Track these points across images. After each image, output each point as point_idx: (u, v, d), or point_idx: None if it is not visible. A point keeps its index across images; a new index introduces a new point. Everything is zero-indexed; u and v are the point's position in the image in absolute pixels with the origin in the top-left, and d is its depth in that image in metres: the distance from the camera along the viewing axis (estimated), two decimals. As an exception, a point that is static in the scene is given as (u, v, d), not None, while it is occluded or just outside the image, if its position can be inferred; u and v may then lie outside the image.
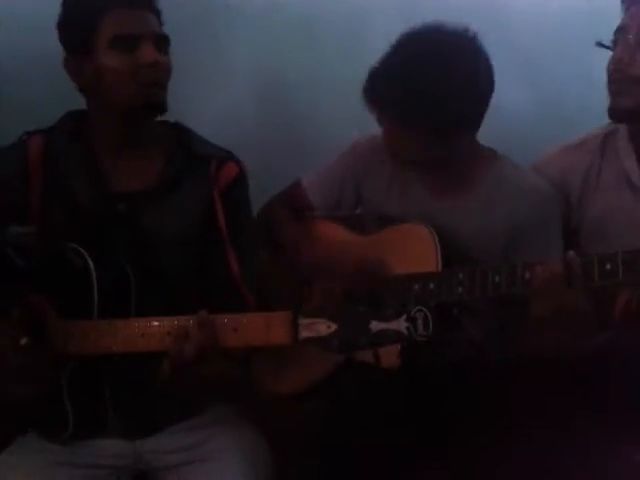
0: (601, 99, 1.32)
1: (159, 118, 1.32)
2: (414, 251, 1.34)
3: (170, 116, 1.34)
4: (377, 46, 1.35)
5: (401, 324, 1.03)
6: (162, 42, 1.28)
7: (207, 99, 1.75)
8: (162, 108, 1.28)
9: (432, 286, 1.27)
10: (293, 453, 1.36)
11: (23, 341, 1.15)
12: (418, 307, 1.04)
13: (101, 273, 1.19)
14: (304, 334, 1.06)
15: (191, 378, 1.15)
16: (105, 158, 1.31)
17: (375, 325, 1.04)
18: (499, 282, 1.20)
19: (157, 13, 1.30)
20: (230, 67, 1.79)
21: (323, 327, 1.06)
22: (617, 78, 1.29)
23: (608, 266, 1.11)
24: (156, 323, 1.15)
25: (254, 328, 1.10)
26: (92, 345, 1.16)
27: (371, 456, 1.28)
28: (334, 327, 1.05)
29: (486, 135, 1.42)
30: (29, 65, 1.64)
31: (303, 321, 1.07)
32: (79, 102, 1.33)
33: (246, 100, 1.82)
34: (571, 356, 1.28)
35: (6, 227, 1.25)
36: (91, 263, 1.19)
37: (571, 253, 1.17)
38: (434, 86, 1.27)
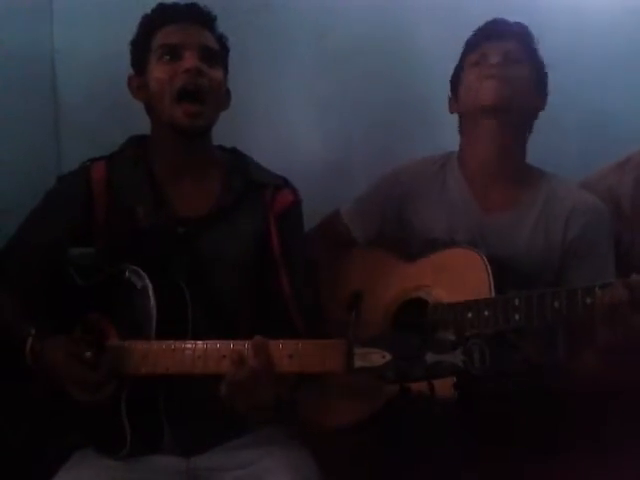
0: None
1: (215, 142, 1.36)
2: (464, 277, 1.31)
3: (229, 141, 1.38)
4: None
5: (457, 357, 1.03)
6: (210, 55, 1.31)
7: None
8: (198, 123, 1.29)
9: (487, 313, 1.24)
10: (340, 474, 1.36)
11: (88, 354, 1.18)
12: (474, 340, 1.03)
13: (159, 294, 1.21)
14: (359, 363, 1.06)
15: (247, 401, 1.14)
16: (166, 182, 1.34)
17: (430, 357, 1.03)
18: (559, 307, 1.18)
19: (210, 28, 1.33)
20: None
21: (378, 357, 1.06)
22: None
23: None
24: (212, 346, 1.16)
25: (309, 355, 1.11)
26: (149, 366, 1.18)
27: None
28: (389, 357, 1.05)
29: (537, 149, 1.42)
30: (92, 92, 1.68)
31: (358, 350, 1.07)
32: (141, 128, 1.36)
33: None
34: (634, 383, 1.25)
35: (70, 248, 1.29)
36: (150, 284, 1.21)
37: (636, 276, 1.14)
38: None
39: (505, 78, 1.37)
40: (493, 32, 1.41)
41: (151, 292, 1.21)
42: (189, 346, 1.17)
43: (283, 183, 1.39)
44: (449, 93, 1.48)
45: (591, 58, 1.77)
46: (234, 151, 1.42)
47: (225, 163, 1.38)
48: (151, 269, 1.23)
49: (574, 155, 1.78)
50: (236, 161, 1.39)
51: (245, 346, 1.13)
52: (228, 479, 1.29)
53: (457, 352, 1.03)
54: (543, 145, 1.44)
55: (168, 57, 1.29)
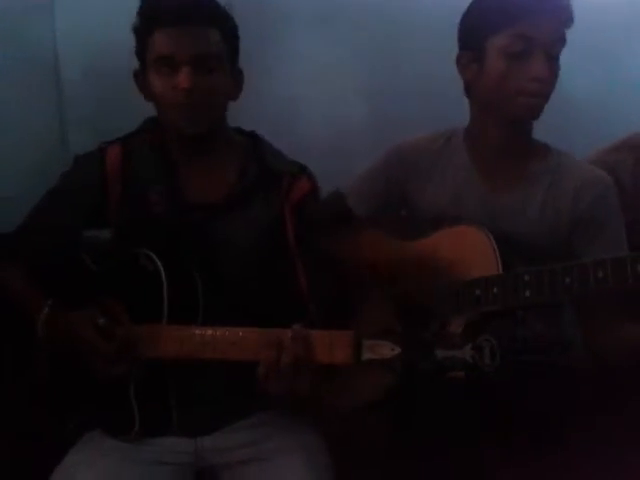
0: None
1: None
2: (470, 254, 1.28)
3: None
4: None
5: (467, 352, 1.03)
6: (209, 60, 1.24)
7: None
8: (199, 131, 1.26)
9: (496, 290, 1.21)
10: (353, 458, 1.37)
11: (101, 320, 1.19)
12: (485, 336, 1.03)
13: (171, 280, 1.21)
14: (367, 355, 1.07)
15: (284, 387, 1.14)
16: (181, 167, 1.33)
17: (440, 352, 1.03)
18: (570, 282, 1.15)
19: (213, 25, 1.25)
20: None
21: (387, 349, 1.06)
22: None
23: None
24: (221, 333, 1.17)
25: (317, 345, 1.11)
26: (159, 350, 1.19)
27: (438, 467, 1.27)
28: (398, 350, 1.05)
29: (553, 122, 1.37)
30: (96, 75, 1.67)
31: (367, 342, 1.07)
32: (146, 113, 1.35)
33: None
34: None
35: (83, 231, 1.29)
36: (162, 269, 1.22)
37: None
38: None
39: (544, 94, 1.31)
40: (532, 9, 1.27)
41: (164, 277, 1.21)
42: (198, 332, 1.18)
43: (300, 171, 1.37)
44: (457, 55, 1.38)
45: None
46: (252, 135, 1.39)
47: (242, 148, 1.36)
48: (164, 254, 1.23)
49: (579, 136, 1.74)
50: (253, 146, 1.37)
51: (253, 333, 1.14)
52: (236, 458, 1.30)
53: (467, 348, 1.03)
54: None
55: (163, 68, 1.24)
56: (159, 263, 1.22)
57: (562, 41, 1.30)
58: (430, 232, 1.37)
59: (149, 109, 1.32)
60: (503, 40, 1.28)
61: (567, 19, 1.30)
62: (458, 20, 1.37)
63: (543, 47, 1.27)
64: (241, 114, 1.37)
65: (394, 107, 1.78)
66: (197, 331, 1.18)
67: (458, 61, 1.38)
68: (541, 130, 1.37)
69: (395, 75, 1.78)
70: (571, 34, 1.31)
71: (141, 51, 1.28)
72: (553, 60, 1.30)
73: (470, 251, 1.29)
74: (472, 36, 1.34)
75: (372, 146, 1.60)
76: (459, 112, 1.43)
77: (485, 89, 1.34)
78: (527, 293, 1.19)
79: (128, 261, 1.25)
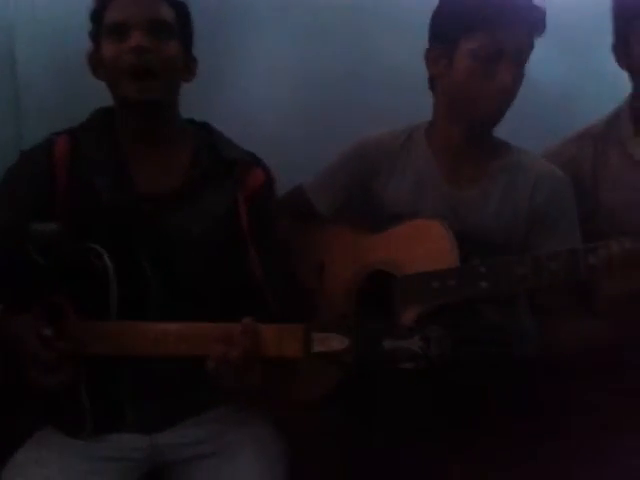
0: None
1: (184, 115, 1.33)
2: (428, 248, 1.30)
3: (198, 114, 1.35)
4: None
5: (415, 343, 1.03)
6: (161, 28, 1.26)
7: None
8: (152, 97, 1.25)
9: (453, 282, 1.23)
10: (308, 449, 1.37)
11: (47, 331, 1.16)
12: (434, 327, 1.03)
13: (120, 274, 1.20)
14: (317, 348, 1.07)
15: (235, 380, 1.15)
16: (131, 157, 1.31)
17: (388, 343, 1.04)
18: (524, 274, 1.18)
19: (168, 1, 1.28)
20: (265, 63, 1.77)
21: (336, 342, 1.06)
22: None
23: None
24: (171, 327, 1.16)
25: (267, 339, 1.11)
26: (108, 346, 1.18)
27: (390, 459, 1.29)
28: (347, 342, 1.06)
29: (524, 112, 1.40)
30: (50, 69, 1.64)
31: (316, 335, 1.07)
32: (104, 103, 1.33)
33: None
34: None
35: (29, 224, 1.27)
36: (110, 264, 1.20)
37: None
38: None
39: (508, 103, 1.34)
40: (508, 15, 1.29)
41: (111, 272, 1.19)
42: (148, 327, 1.17)
43: (254, 161, 1.37)
44: (426, 48, 1.39)
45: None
46: (205, 126, 1.38)
47: (194, 138, 1.35)
48: (114, 247, 1.21)
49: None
50: (206, 136, 1.36)
51: (204, 328, 1.14)
52: (190, 454, 1.30)
53: (415, 338, 1.03)
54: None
55: (115, 36, 1.25)
56: (107, 258, 1.20)
57: (530, 49, 1.33)
58: (391, 226, 1.38)
59: (108, 99, 1.31)
60: (475, 42, 1.30)
61: (539, 28, 1.32)
62: (425, 10, 1.38)
63: (512, 54, 1.30)
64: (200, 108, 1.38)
65: (358, 100, 1.77)
66: (147, 326, 1.17)
67: (427, 55, 1.39)
68: (509, 121, 1.38)
69: (361, 66, 1.77)
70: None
71: (96, 29, 1.28)
72: (520, 67, 1.32)
73: (428, 244, 1.30)
74: (444, 33, 1.35)
75: (331, 140, 1.60)
76: (427, 106, 1.44)
77: (451, 86, 1.36)
78: (483, 285, 1.21)
79: (76, 255, 1.22)
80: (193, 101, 1.34)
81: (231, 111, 1.67)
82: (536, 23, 1.31)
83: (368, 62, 1.76)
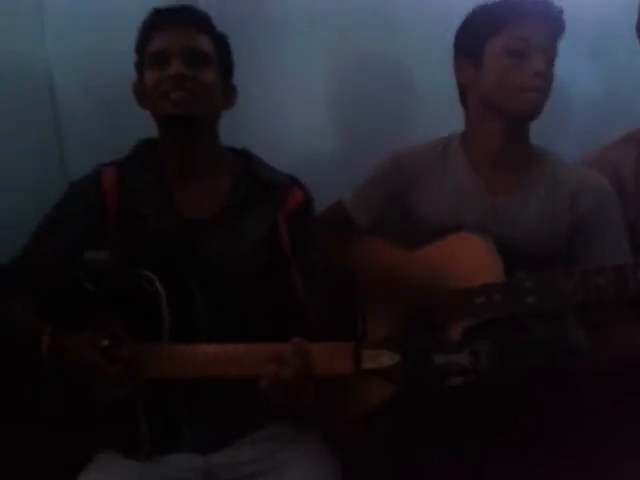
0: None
1: (224, 143, 1.36)
2: (472, 262, 1.30)
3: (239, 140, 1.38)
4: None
5: (464, 357, 1.04)
6: (200, 57, 1.32)
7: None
8: (191, 119, 1.30)
9: (498, 297, 1.22)
10: (358, 465, 1.38)
11: (105, 342, 1.19)
12: (482, 341, 1.04)
13: (170, 299, 1.23)
14: (367, 365, 1.08)
15: (286, 399, 1.16)
16: (174, 185, 1.35)
17: (438, 358, 1.04)
18: (572, 288, 1.17)
19: (203, 29, 1.34)
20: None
21: (386, 359, 1.07)
22: None
23: None
24: (222, 350, 1.18)
25: (318, 357, 1.12)
26: (162, 370, 1.20)
27: (442, 473, 1.28)
28: (397, 359, 1.07)
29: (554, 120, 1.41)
30: (91, 99, 1.67)
31: (366, 352, 1.09)
32: (146, 134, 1.38)
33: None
34: None
35: (82, 253, 1.31)
36: (161, 289, 1.23)
37: None
38: None
39: (544, 90, 1.35)
40: (529, 13, 1.34)
41: (163, 297, 1.22)
42: (200, 350, 1.19)
43: (292, 182, 1.40)
44: (454, 62, 1.42)
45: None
46: (244, 152, 1.42)
47: (234, 164, 1.39)
48: (162, 273, 1.24)
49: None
50: (245, 162, 1.40)
51: (256, 349, 1.15)
52: (245, 473, 1.31)
53: (464, 353, 1.04)
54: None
55: (157, 65, 1.31)
56: (158, 284, 1.23)
57: (555, 47, 1.35)
58: (432, 241, 1.38)
59: (150, 131, 1.35)
60: (502, 40, 1.34)
61: (560, 26, 1.35)
62: (448, 24, 1.41)
63: (540, 47, 1.32)
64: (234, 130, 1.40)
65: (392, 115, 1.78)
66: (199, 349, 1.19)
67: (455, 67, 1.41)
68: (541, 129, 1.39)
69: (394, 81, 1.78)
70: (570, 33, 1.36)
71: (140, 59, 1.35)
72: (549, 61, 1.34)
73: (472, 259, 1.30)
74: (470, 42, 1.38)
75: (364, 155, 1.61)
76: (452, 119, 1.45)
77: (485, 89, 1.37)
78: (529, 300, 1.20)
79: (126, 282, 1.26)
80: (226, 123, 1.38)
81: (264, 131, 1.70)
82: (556, 20, 1.35)
83: (400, 76, 1.76)
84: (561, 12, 1.36)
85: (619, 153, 1.47)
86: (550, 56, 1.35)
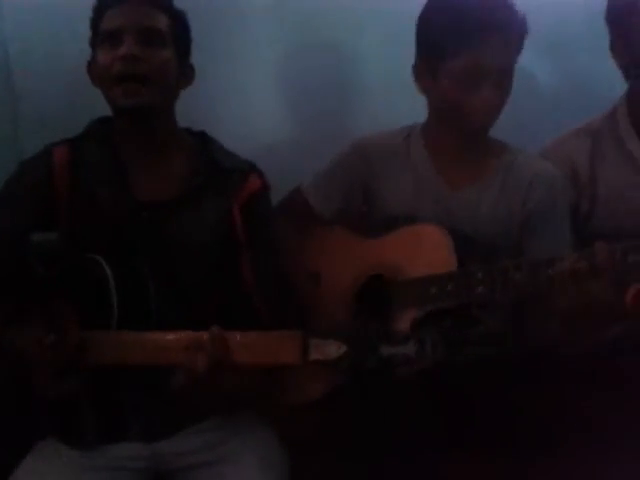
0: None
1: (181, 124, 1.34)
2: (426, 253, 1.31)
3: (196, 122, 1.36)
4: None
5: (410, 348, 1.04)
6: (154, 35, 1.27)
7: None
8: (142, 110, 1.26)
9: (450, 287, 1.24)
10: (308, 454, 1.37)
11: (50, 338, 1.17)
12: (427, 330, 1.04)
13: (120, 283, 1.20)
14: (314, 355, 1.07)
15: (206, 390, 1.15)
16: (130, 166, 1.32)
17: (385, 349, 1.04)
18: (520, 279, 1.18)
19: (159, 6, 1.29)
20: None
21: (333, 348, 1.06)
22: None
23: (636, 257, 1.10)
24: (174, 336, 1.15)
25: (263, 346, 1.11)
26: (110, 357, 1.17)
27: (388, 459, 1.29)
28: (344, 349, 1.06)
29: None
30: (47, 78, 1.64)
31: (313, 341, 1.08)
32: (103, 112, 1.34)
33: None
34: (588, 348, 1.28)
35: (29, 234, 1.28)
36: (109, 272, 1.20)
37: (600, 244, 1.13)
38: None
39: (498, 112, 1.35)
40: (489, 33, 1.30)
41: (112, 281, 1.19)
42: (150, 337, 1.17)
43: (250, 168, 1.38)
44: (413, 64, 1.41)
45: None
46: (202, 135, 1.40)
47: (191, 147, 1.37)
48: (114, 255, 1.22)
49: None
50: (203, 145, 1.37)
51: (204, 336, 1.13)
52: (192, 462, 1.30)
53: (410, 343, 1.04)
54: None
55: (108, 43, 1.27)
56: (107, 269, 1.20)
57: (517, 55, 1.35)
58: (389, 230, 1.39)
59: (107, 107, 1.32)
60: (458, 62, 1.31)
61: (523, 36, 1.34)
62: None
63: (495, 72, 1.31)
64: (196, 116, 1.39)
65: (353, 105, 1.77)
66: (148, 336, 1.17)
67: (414, 70, 1.40)
68: (500, 122, 1.39)
69: (355, 71, 1.77)
70: (532, 30, 1.34)
71: (94, 37, 1.30)
72: (505, 81, 1.33)
73: (427, 250, 1.31)
74: (428, 51, 1.37)
75: (321, 142, 1.62)
76: (419, 108, 1.44)
77: (438, 100, 1.38)
78: (480, 289, 1.21)
79: (76, 265, 1.23)
80: (189, 109, 1.36)
81: (226, 118, 1.68)
82: (520, 34, 1.33)
83: (362, 66, 1.75)
84: (525, 22, 1.33)
85: (575, 144, 1.48)
86: (509, 72, 1.34)
